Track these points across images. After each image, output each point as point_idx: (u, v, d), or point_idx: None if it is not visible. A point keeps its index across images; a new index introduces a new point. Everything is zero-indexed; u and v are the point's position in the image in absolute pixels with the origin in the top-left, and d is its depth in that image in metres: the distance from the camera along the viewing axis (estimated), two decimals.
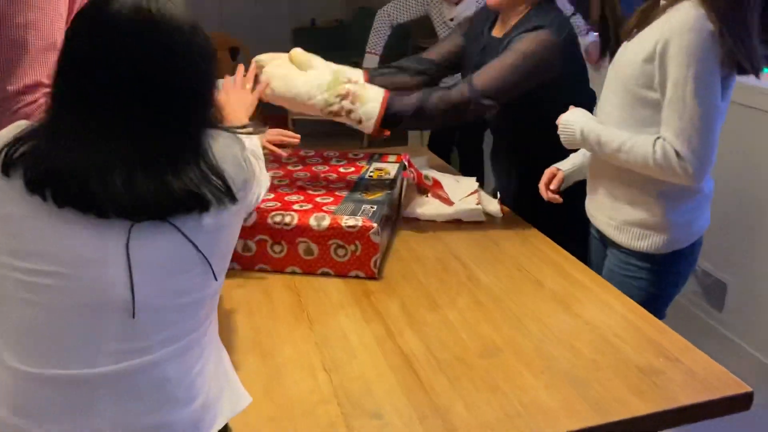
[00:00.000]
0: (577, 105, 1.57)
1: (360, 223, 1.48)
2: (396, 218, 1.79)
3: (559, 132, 1.52)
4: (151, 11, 0.85)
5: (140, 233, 0.84)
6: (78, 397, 0.84)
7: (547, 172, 1.67)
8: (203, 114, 0.92)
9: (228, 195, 0.89)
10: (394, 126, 1.65)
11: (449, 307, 1.38)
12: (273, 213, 1.51)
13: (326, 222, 1.48)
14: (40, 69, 1.24)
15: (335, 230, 1.48)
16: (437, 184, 1.89)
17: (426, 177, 1.92)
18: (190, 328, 0.91)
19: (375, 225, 1.47)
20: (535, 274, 1.52)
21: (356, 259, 1.49)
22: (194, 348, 0.91)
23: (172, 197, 0.84)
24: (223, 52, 3.74)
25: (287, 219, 1.50)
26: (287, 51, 1.71)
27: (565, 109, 1.55)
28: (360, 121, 1.63)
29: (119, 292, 0.84)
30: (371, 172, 1.86)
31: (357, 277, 1.50)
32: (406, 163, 1.93)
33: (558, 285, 1.47)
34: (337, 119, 1.63)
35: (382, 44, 3.47)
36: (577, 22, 3.26)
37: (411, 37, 5.03)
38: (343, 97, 1.61)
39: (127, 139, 0.84)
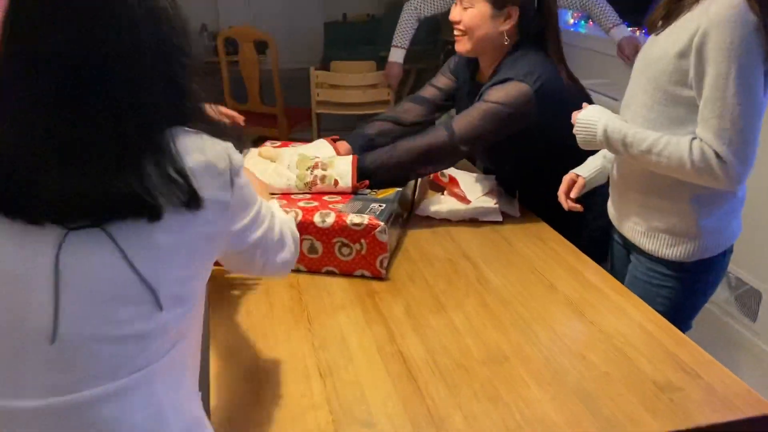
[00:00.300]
0: (563, 149, 1.52)
1: (366, 221, 1.42)
2: (408, 216, 1.73)
3: (575, 131, 1.43)
4: None
5: (75, 246, 0.72)
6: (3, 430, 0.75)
7: (567, 180, 1.57)
8: (165, 100, 0.77)
9: (191, 204, 0.76)
10: (370, 179, 1.65)
11: (456, 311, 1.31)
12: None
13: (331, 219, 1.43)
14: None
15: (340, 228, 1.42)
16: (453, 181, 1.82)
17: (442, 174, 1.86)
18: (135, 366, 0.76)
19: (381, 223, 1.41)
20: (549, 277, 1.44)
21: (362, 258, 1.43)
22: (140, 389, 0.76)
23: (108, 197, 0.71)
24: (249, 45, 3.70)
25: (291, 216, 1.43)
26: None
27: (551, 153, 1.49)
28: (336, 183, 1.62)
29: (43, 314, 0.72)
30: None
31: (363, 276, 1.44)
32: None
33: (573, 290, 1.39)
34: (316, 189, 1.63)
35: (408, 38, 3.40)
36: (608, 12, 3.14)
37: (440, 31, 4.95)
38: (313, 167, 1.63)
39: (59, 126, 0.71)
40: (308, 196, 1.59)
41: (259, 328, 1.26)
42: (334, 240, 1.43)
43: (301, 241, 1.41)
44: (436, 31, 4.93)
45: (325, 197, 1.58)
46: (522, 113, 1.60)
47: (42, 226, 0.72)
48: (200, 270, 0.83)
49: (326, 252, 1.44)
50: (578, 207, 1.53)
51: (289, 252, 1.04)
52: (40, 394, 0.73)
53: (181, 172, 0.76)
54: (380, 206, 1.50)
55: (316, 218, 1.43)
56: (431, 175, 1.87)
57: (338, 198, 1.57)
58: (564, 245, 1.59)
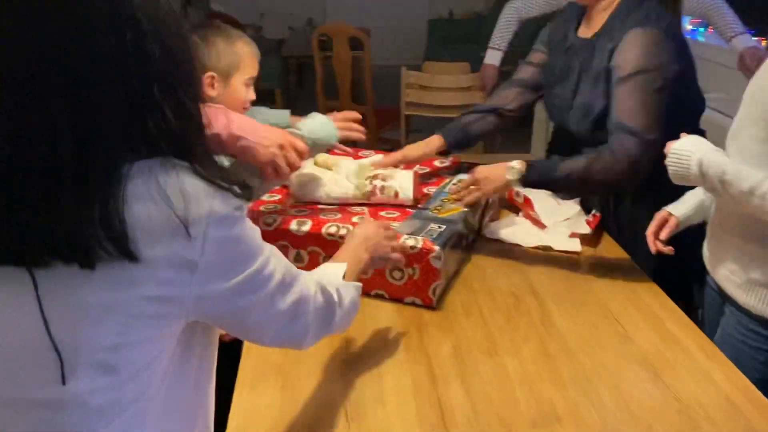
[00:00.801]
0: (690, 112, 1.30)
1: (420, 245, 1.30)
2: (473, 239, 1.59)
3: (667, 162, 1.24)
4: None
5: None
6: None
7: (657, 218, 1.37)
8: (128, 124, 0.65)
9: (127, 257, 0.63)
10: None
11: (511, 355, 1.17)
12: (329, 224, 1.37)
13: None
14: None
15: None
16: (528, 202, 1.67)
17: (517, 194, 1.71)
18: (103, 402, 0.67)
19: (437, 248, 1.29)
20: (625, 324, 1.27)
21: (413, 284, 1.32)
22: None
23: (35, 232, 0.61)
24: (343, 42, 3.65)
25: (342, 232, 1.34)
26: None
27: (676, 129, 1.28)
28: (396, 194, 1.50)
29: None
30: (453, 184, 1.64)
31: (413, 304, 1.32)
32: None
33: (650, 343, 1.21)
34: (375, 200, 1.51)
35: (507, 39, 3.23)
36: (730, 19, 2.84)
37: None
38: (374, 177, 1.53)
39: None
40: (364, 210, 1.48)
41: (290, 354, 1.17)
42: None
43: None
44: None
45: (382, 212, 1.47)
46: (669, 64, 1.39)
47: None
48: (149, 336, 0.68)
49: (377, 274, 1.33)
50: (668, 250, 1.33)
51: (303, 327, 0.86)
52: None
53: (119, 218, 0.62)
54: (440, 228, 1.38)
55: None
56: (506, 193, 1.73)
57: (397, 214, 1.46)
58: (648, 287, 1.40)
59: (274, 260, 0.80)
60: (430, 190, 1.61)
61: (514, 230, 1.62)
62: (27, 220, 0.61)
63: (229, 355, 1.11)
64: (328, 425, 1.01)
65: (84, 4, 0.62)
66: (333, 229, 1.35)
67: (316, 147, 1.47)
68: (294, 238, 1.37)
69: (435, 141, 1.72)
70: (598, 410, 1.04)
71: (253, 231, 0.76)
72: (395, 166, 1.64)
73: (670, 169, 1.23)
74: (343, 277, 1.00)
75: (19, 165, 0.61)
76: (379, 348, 1.20)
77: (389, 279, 1.33)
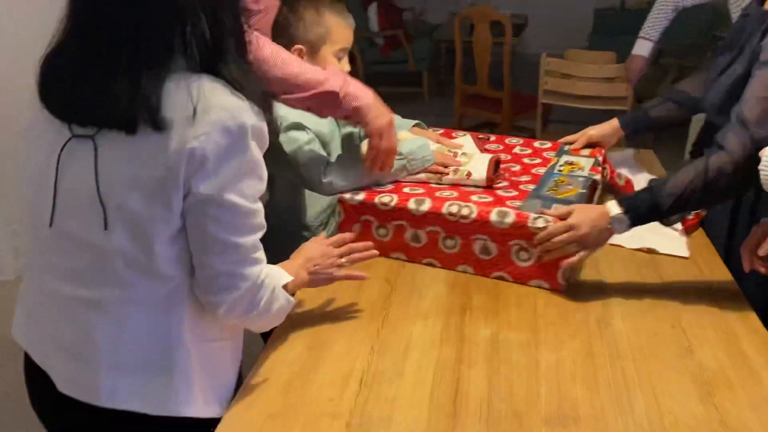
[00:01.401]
0: None
1: (550, 225, 1.24)
2: None
3: (761, 167, 1.08)
4: None
5: (71, 150, 0.85)
6: None
7: (756, 230, 1.20)
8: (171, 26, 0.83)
9: (151, 126, 0.82)
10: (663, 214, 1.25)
11: (550, 351, 1.11)
12: (449, 203, 1.33)
13: (510, 219, 1.27)
14: None
15: (520, 229, 1.26)
16: (630, 185, 1.55)
17: (618, 176, 1.59)
18: (105, 281, 0.87)
19: None
20: (692, 337, 1.14)
21: (541, 267, 1.27)
22: (108, 309, 0.88)
23: (98, 103, 0.82)
24: (484, 26, 3.58)
25: (465, 211, 1.30)
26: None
27: None
28: (469, 174, 1.45)
29: (48, 205, 0.89)
30: (561, 165, 1.57)
31: (539, 287, 1.28)
32: (601, 159, 1.62)
33: (714, 360, 1.08)
34: (447, 180, 1.46)
35: (660, 29, 2.98)
36: None
37: (714, 25, 4.31)
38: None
39: (86, 43, 0.83)
40: (480, 190, 1.42)
41: (328, 318, 1.20)
42: (512, 243, 1.28)
43: (474, 240, 1.30)
44: (710, 26, 4.30)
45: (499, 191, 1.41)
46: None
47: (65, 128, 0.86)
48: (165, 217, 0.84)
49: (501, 255, 1.29)
50: (765, 270, 1.18)
51: (228, 296, 0.91)
52: (44, 276, 0.91)
53: (156, 95, 0.81)
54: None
55: (494, 216, 1.28)
56: (608, 176, 1.62)
57: (514, 193, 1.40)
58: (737, 301, 1.25)
59: (253, 217, 0.90)
60: (539, 171, 1.54)
61: None
62: (99, 93, 0.82)
63: None
64: (339, 386, 1.02)
65: None
66: (454, 209, 1.31)
67: (409, 167, 1.44)
68: (412, 217, 1.34)
69: (614, 122, 1.67)
70: (625, 418, 0.95)
71: (255, 162, 0.88)
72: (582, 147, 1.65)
73: (763, 174, 1.09)
74: (283, 287, 1.01)
75: (106, 49, 0.82)
76: (416, 321, 1.19)
77: (515, 260, 1.29)
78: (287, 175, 1.47)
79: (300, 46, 1.44)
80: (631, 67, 3.12)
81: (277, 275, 1.00)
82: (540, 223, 1.25)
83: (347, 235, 1.21)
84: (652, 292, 1.29)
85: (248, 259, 0.91)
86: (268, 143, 0.91)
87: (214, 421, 0.95)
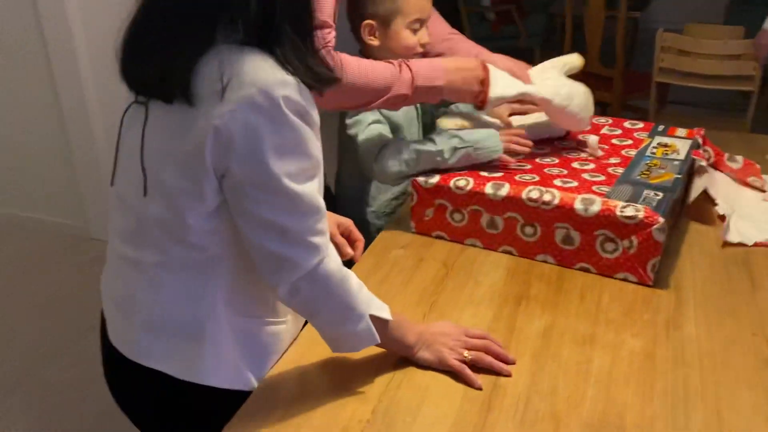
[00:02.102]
0: None
1: (641, 215, 1.14)
2: (680, 211, 1.39)
3: None
4: None
5: (130, 116, 0.88)
6: None
7: None
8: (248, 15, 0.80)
9: (184, 98, 0.80)
10: None
11: (605, 350, 1.02)
12: (529, 187, 1.25)
13: (596, 207, 1.18)
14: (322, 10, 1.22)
15: (607, 219, 1.17)
16: (750, 168, 1.42)
17: (732, 158, 1.46)
18: (148, 244, 0.90)
19: (661, 219, 1.13)
20: None
21: (628, 259, 1.18)
22: (150, 270, 0.90)
23: (145, 74, 0.84)
24: (596, 1, 3.36)
25: (546, 197, 1.22)
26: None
27: None
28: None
29: (111, 165, 0.94)
30: (654, 147, 1.45)
31: (626, 280, 1.19)
32: (700, 141, 1.48)
33: None
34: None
35: None
36: None
37: None
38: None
39: (148, 23, 0.84)
40: (564, 171, 1.33)
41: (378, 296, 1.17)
42: (597, 232, 1.18)
43: (555, 228, 1.21)
44: None
45: (584, 175, 1.31)
46: None
47: (131, 93, 0.88)
48: (197, 192, 0.83)
49: (585, 245, 1.21)
50: None
51: (283, 277, 0.87)
52: (111, 232, 0.97)
53: (188, 68, 0.79)
54: (657, 195, 1.21)
55: (578, 204, 1.19)
56: (711, 159, 1.48)
57: (602, 177, 1.30)
58: None
59: (299, 198, 0.84)
60: (629, 153, 1.43)
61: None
62: (146, 58, 0.83)
63: None
64: (374, 371, 0.98)
65: None
66: (535, 194, 1.23)
67: (474, 155, 1.36)
68: (488, 202, 1.27)
69: None
70: (677, 431, 0.86)
71: (299, 147, 0.83)
72: None
73: None
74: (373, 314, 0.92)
75: (154, 19, 0.83)
76: (465, 312, 1.12)
77: (599, 251, 1.20)
78: (351, 158, 1.45)
79: (371, 21, 1.40)
80: (760, 44, 2.82)
81: (368, 299, 0.93)
82: (629, 212, 1.15)
83: (489, 336, 1.03)
84: (737, 294, 1.15)
85: (301, 243, 0.85)
86: (317, 120, 0.86)
87: (246, 394, 0.95)
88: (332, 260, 0.89)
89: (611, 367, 0.98)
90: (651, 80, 3.25)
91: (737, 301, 1.13)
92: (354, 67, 1.22)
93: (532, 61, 1.48)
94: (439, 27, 1.54)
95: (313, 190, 0.86)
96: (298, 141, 0.82)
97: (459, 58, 1.42)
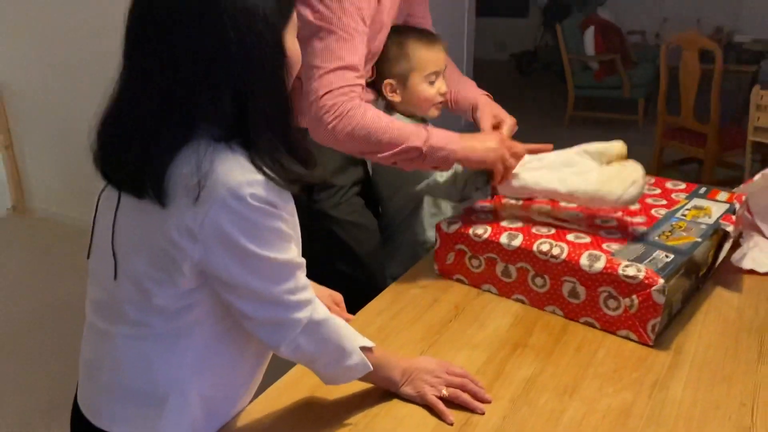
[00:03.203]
0: None
1: (642, 275, 1.17)
2: (708, 272, 1.39)
3: None
4: None
5: (104, 202, 0.93)
6: None
7: None
8: (219, 108, 0.83)
9: (157, 198, 0.83)
10: None
11: (585, 402, 1.05)
12: (541, 240, 1.30)
13: (600, 264, 1.21)
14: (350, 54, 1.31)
15: (609, 276, 1.20)
16: None
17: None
18: (113, 319, 0.93)
19: (661, 281, 1.15)
20: (760, 419, 1.00)
21: (629, 318, 1.20)
22: (131, 343, 0.92)
23: (120, 166, 0.87)
24: (692, 54, 3.29)
25: (555, 251, 1.26)
26: None
27: None
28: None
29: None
30: (687, 210, 1.45)
31: (627, 338, 1.21)
32: (738, 206, 1.46)
33: None
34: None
35: None
36: None
37: None
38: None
39: (123, 93, 0.86)
40: (582, 226, 1.37)
41: (385, 330, 1.26)
42: (601, 289, 1.22)
43: (563, 281, 1.26)
44: None
45: (602, 232, 1.34)
46: None
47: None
48: (171, 279, 0.87)
49: (589, 300, 1.24)
50: None
51: (279, 338, 0.92)
52: (87, 302, 0.99)
53: (163, 170, 0.83)
54: (667, 257, 1.23)
55: (584, 260, 1.23)
56: (739, 226, 1.46)
57: (617, 235, 1.33)
58: None
59: (278, 266, 0.89)
60: (659, 212, 1.45)
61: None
62: (125, 157, 0.86)
63: None
64: (359, 399, 1.07)
65: (189, 12, 0.81)
66: (545, 247, 1.28)
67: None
68: (503, 251, 1.33)
69: None
70: None
71: (271, 230, 0.86)
72: None
73: None
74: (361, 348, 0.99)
75: (133, 110, 0.85)
76: (462, 350, 1.19)
77: (603, 307, 1.23)
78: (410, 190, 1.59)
79: (391, 81, 1.54)
80: None
81: (354, 334, 1.00)
82: (630, 272, 1.18)
83: (468, 375, 1.09)
84: (739, 362, 1.14)
85: (290, 303, 0.91)
86: (290, 209, 0.91)
87: None
88: (320, 307, 0.96)
89: (583, 418, 1.01)
90: (745, 137, 3.14)
91: (737, 369, 1.12)
92: (374, 117, 1.31)
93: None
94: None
95: (292, 255, 0.91)
96: (271, 229, 0.87)
97: (480, 134, 1.45)
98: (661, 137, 3.63)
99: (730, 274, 1.42)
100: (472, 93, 1.63)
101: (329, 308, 1.14)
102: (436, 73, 1.54)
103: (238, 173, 0.83)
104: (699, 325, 1.25)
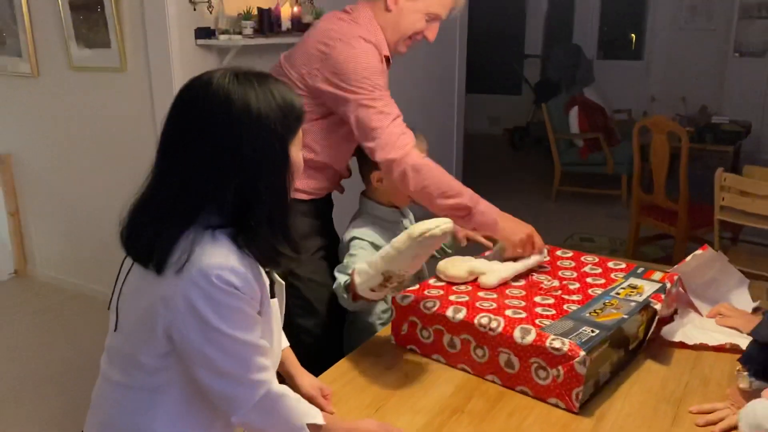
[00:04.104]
0: None
1: (566, 348, 1.29)
2: (640, 345, 1.51)
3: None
4: (202, 84, 1.03)
5: (129, 259, 1.09)
6: None
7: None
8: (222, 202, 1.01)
9: (155, 269, 1.00)
10: None
11: None
12: (482, 314, 1.43)
13: (530, 337, 1.34)
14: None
15: (538, 349, 1.32)
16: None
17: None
18: (109, 366, 1.11)
19: (582, 353, 1.27)
20: None
21: (558, 386, 1.32)
22: (115, 387, 1.09)
23: (133, 242, 1.06)
24: (661, 137, 3.48)
25: (493, 324, 1.39)
26: None
27: None
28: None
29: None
30: (622, 288, 1.59)
31: (557, 406, 1.32)
32: (670, 285, 1.57)
33: None
34: None
35: None
36: None
37: None
38: None
39: (150, 184, 1.06)
40: (522, 303, 1.51)
41: (336, 396, 1.37)
42: (532, 360, 1.34)
43: (499, 353, 1.38)
44: None
45: (538, 309, 1.48)
46: None
47: None
48: (150, 339, 1.03)
49: (523, 370, 1.36)
50: None
51: (235, 410, 1.06)
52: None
53: (170, 247, 1.01)
54: (592, 332, 1.34)
55: (517, 333, 1.36)
56: (668, 306, 1.60)
57: (552, 312, 1.46)
58: None
59: (240, 345, 1.03)
60: (595, 291, 1.59)
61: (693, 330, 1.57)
62: (143, 233, 1.03)
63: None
64: None
65: (206, 123, 1.02)
66: (485, 320, 1.41)
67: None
68: (449, 324, 1.46)
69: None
70: None
71: (233, 309, 1.01)
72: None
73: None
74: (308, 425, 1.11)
75: (155, 200, 1.05)
76: (404, 415, 1.30)
77: (534, 377, 1.35)
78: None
79: (379, 173, 1.69)
80: None
81: (306, 409, 1.13)
82: (556, 344, 1.30)
83: None
84: (653, 429, 1.25)
85: (246, 382, 1.04)
86: (254, 293, 1.05)
87: None
88: (274, 387, 1.09)
89: None
90: (713, 215, 3.29)
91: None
92: (440, 174, 1.60)
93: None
94: None
95: (252, 337, 1.05)
96: (233, 308, 1.01)
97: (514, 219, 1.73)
98: (637, 214, 3.79)
99: (663, 348, 1.54)
100: None
101: (313, 398, 1.31)
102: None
103: (216, 257, 1.00)
104: (623, 395, 1.37)
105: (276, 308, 1.20)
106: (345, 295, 1.52)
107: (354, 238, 1.69)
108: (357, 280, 1.44)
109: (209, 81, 1.02)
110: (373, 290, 1.43)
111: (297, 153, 1.09)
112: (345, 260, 1.64)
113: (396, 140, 1.57)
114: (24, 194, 3.98)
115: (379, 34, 1.68)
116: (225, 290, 0.99)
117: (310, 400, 1.27)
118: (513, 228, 1.68)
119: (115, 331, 1.09)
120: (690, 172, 3.55)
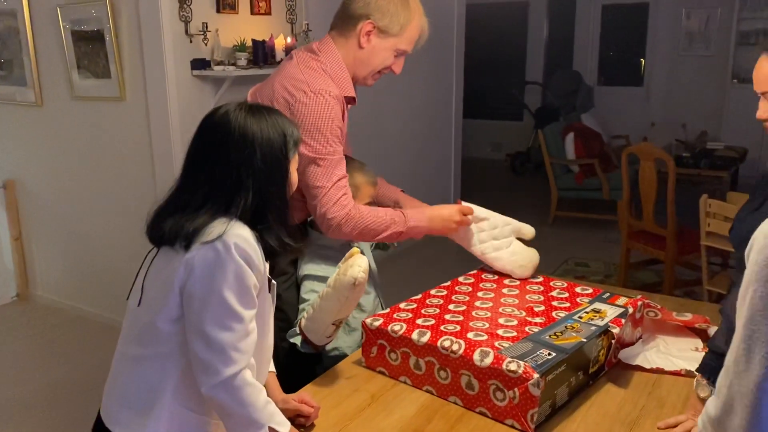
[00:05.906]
0: None
1: (521, 370, 1.33)
2: (600, 369, 1.56)
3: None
4: (222, 114, 1.28)
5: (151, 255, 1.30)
6: None
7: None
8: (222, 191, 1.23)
9: (184, 245, 1.20)
10: None
11: None
12: (445, 337, 1.49)
13: (489, 360, 1.39)
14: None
15: (495, 371, 1.37)
16: (699, 319, 1.68)
17: (681, 314, 1.69)
18: (129, 340, 1.28)
19: (536, 376, 1.31)
20: None
21: (513, 408, 1.36)
22: (141, 364, 1.25)
23: (159, 229, 1.26)
24: (649, 164, 3.53)
25: (455, 347, 1.45)
26: None
27: None
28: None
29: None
30: (585, 312, 1.64)
31: (513, 427, 1.36)
32: (632, 311, 1.63)
33: None
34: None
35: None
36: None
37: None
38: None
39: (179, 188, 1.28)
40: (486, 325, 1.57)
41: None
42: (490, 382, 1.39)
43: (460, 375, 1.44)
44: None
45: (500, 331, 1.54)
46: None
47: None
48: (167, 298, 1.20)
49: (482, 392, 1.41)
50: None
51: (206, 380, 1.18)
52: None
53: (194, 228, 1.21)
54: (549, 355, 1.39)
55: (476, 355, 1.41)
56: (658, 315, 1.67)
57: (513, 334, 1.52)
58: None
59: (232, 316, 1.19)
60: (559, 314, 1.64)
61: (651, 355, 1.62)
62: (169, 223, 1.24)
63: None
64: None
65: (230, 138, 1.26)
66: (447, 343, 1.46)
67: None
68: (414, 346, 1.52)
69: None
70: None
71: (238, 277, 1.19)
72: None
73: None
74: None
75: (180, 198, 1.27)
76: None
77: (492, 398, 1.40)
78: None
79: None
80: None
81: (272, 413, 1.22)
82: (512, 367, 1.35)
83: None
84: None
85: (222, 353, 1.17)
86: (260, 268, 1.23)
87: None
88: (248, 374, 1.20)
89: None
90: (699, 240, 3.33)
91: None
92: (368, 214, 1.75)
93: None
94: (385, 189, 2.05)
95: (248, 316, 1.20)
96: (240, 275, 1.19)
97: (441, 207, 1.91)
98: (627, 239, 3.83)
99: (624, 371, 1.58)
100: (391, 191, 2.03)
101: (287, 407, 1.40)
102: (372, 196, 1.84)
103: (236, 229, 1.20)
104: (580, 417, 1.41)
105: (269, 303, 1.35)
106: (305, 350, 1.63)
107: (305, 277, 1.81)
108: (312, 338, 1.59)
109: (227, 112, 1.28)
110: (328, 336, 1.60)
111: (294, 171, 1.34)
112: (300, 305, 1.78)
113: (336, 201, 1.69)
114: (27, 219, 4.08)
115: (344, 79, 1.76)
116: (237, 261, 1.18)
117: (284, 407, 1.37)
118: (443, 224, 1.86)
119: (138, 306, 1.25)
120: (685, 197, 3.60)
